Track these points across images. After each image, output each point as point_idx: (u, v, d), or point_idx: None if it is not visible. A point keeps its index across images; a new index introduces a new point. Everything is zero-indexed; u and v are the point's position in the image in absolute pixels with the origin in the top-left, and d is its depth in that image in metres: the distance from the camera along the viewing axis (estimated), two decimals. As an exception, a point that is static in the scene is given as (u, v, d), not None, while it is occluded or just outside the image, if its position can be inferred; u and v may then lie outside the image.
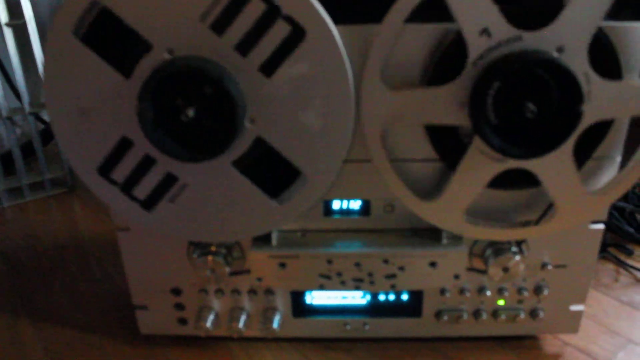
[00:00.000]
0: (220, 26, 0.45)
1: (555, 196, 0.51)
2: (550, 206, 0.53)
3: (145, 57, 0.46)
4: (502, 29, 0.44)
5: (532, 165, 0.49)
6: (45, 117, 1.16)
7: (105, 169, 0.51)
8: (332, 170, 0.51)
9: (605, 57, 0.47)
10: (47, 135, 1.12)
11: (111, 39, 0.47)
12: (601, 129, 0.50)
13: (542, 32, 0.44)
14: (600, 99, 0.46)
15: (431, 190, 0.53)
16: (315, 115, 0.48)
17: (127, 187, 0.52)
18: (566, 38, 0.44)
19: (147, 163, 0.50)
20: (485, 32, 0.44)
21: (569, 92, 0.44)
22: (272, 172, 0.52)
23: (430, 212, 0.53)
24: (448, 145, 0.51)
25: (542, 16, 0.44)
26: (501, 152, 0.47)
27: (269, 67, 0.46)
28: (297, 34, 0.45)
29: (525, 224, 0.54)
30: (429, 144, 0.51)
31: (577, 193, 0.51)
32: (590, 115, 0.47)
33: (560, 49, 0.44)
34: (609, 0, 0.43)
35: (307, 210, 0.53)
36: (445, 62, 0.47)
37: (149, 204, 0.52)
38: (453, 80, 0.46)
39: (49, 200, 1.07)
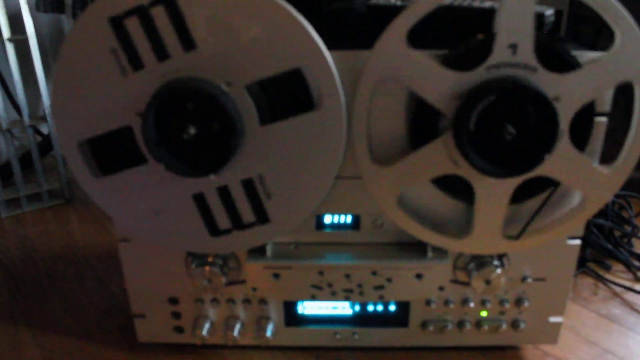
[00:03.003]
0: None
1: (477, 217, 0.54)
2: (527, 224, 0.56)
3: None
4: (527, 53, 0.47)
5: (477, 180, 0.52)
6: (44, 130, 1.19)
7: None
8: (294, 222, 0.56)
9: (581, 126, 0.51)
10: (45, 147, 1.14)
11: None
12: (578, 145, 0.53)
13: (553, 76, 0.48)
14: (571, 91, 0.49)
15: (461, 223, 0.57)
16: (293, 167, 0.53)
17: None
18: (565, 93, 0.48)
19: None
20: (513, 47, 0.47)
21: (544, 137, 0.48)
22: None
23: (372, 178, 0.54)
24: (423, 129, 0.52)
25: (558, 62, 0.48)
26: (464, 154, 0.49)
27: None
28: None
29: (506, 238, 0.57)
30: (406, 121, 0.53)
31: (495, 228, 0.55)
32: (568, 108, 0.49)
33: (556, 99, 0.48)
34: (617, 80, 0.48)
35: (299, 224, 0.56)
36: (422, 119, 0.52)
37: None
38: (464, 72, 0.49)
39: (46, 212, 1.09)
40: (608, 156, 0.54)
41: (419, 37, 0.48)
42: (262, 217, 0.54)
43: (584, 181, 0.53)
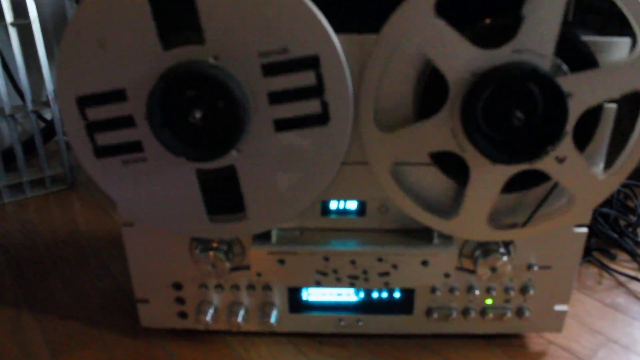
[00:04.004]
0: (269, 70, 0.48)
1: (467, 200, 0.54)
2: (536, 209, 0.56)
3: (190, 46, 0.48)
4: (549, 45, 0.47)
5: (474, 162, 0.52)
6: (47, 116, 1.18)
7: (85, 103, 0.51)
8: (274, 223, 0.57)
9: (580, 57, 0.50)
10: (48, 133, 1.14)
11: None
12: (585, 136, 0.53)
13: (509, 46, 0.47)
14: (583, 90, 0.48)
15: (450, 204, 0.56)
16: (290, 178, 0.53)
17: (92, 128, 0.52)
18: (533, 44, 0.47)
19: (125, 121, 0.51)
20: (538, 35, 0.47)
21: (551, 130, 0.48)
22: (224, 193, 0.55)
23: (371, 142, 0.53)
24: (453, 163, 0.53)
25: (504, 31, 0.47)
26: (491, 158, 0.49)
27: (282, 125, 0.51)
28: (322, 117, 0.50)
29: (513, 225, 0.57)
30: (415, 90, 0.52)
31: (482, 214, 0.55)
32: (576, 107, 0.49)
33: (568, 95, 0.47)
34: (632, 87, 0.47)
35: (305, 209, 0.56)
36: (431, 91, 0.50)
37: (101, 152, 0.53)
38: (441, 108, 0.49)
39: (49, 197, 1.08)
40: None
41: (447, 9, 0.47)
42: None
43: (578, 183, 0.53)
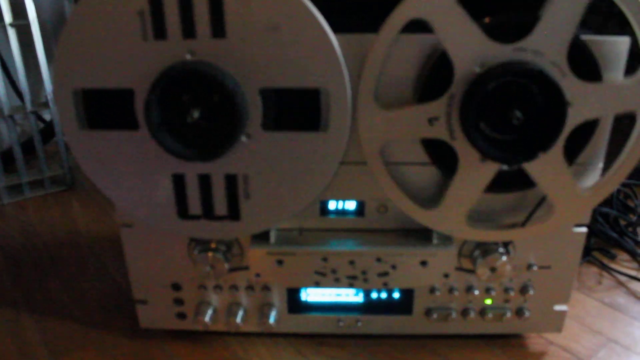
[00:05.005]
0: None
1: (551, 196, 0.53)
2: (536, 208, 0.56)
3: None
4: (561, 52, 0.47)
5: (529, 167, 0.52)
6: (46, 117, 1.18)
7: None
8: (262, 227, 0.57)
9: (585, 63, 0.49)
10: (47, 134, 1.14)
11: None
12: (584, 136, 0.52)
13: (521, 43, 0.47)
14: (583, 102, 0.49)
15: (432, 197, 0.56)
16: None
17: None
18: (545, 46, 0.47)
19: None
20: (470, 52, 0.47)
21: (553, 99, 0.47)
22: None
23: (367, 116, 0.52)
24: (443, 154, 0.52)
25: (519, 28, 0.47)
26: (483, 153, 0.49)
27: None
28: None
29: (513, 226, 0.57)
30: (425, 154, 0.54)
31: (462, 210, 0.54)
32: (574, 117, 0.49)
33: (537, 53, 0.47)
34: (581, 12, 0.46)
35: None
36: (435, 77, 0.50)
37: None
38: (442, 95, 0.48)
39: (49, 198, 1.08)
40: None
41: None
42: (233, 213, 0.55)
43: (561, 196, 0.53)
